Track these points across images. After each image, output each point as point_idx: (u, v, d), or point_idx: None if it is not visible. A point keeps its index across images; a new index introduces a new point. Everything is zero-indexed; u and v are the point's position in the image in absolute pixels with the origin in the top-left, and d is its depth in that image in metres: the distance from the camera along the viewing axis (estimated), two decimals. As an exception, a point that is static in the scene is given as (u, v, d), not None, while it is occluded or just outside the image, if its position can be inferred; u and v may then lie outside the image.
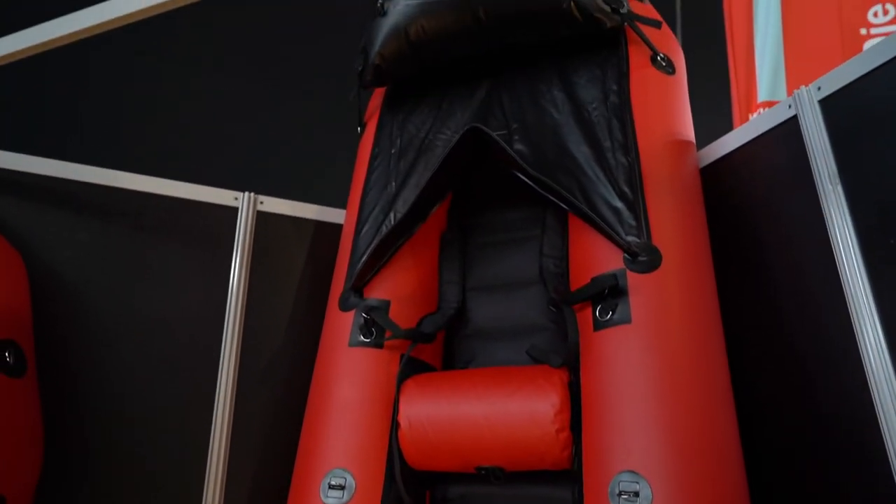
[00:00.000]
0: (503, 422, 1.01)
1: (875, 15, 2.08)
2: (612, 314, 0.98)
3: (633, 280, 0.99)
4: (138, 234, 1.32)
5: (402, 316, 1.18)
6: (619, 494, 0.85)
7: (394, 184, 1.30)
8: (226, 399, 1.29)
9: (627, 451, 0.88)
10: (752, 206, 1.12)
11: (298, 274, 1.44)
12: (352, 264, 1.23)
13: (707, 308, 1.01)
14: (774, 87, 2.25)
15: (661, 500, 0.83)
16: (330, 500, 1.02)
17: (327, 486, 1.03)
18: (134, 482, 1.20)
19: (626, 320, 0.97)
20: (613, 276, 0.99)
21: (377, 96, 1.51)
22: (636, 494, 0.84)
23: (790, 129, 1.04)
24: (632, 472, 0.86)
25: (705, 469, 0.87)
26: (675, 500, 0.83)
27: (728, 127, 2.23)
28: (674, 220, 1.05)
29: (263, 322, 1.37)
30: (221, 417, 1.28)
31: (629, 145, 1.10)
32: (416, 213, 1.22)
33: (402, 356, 1.14)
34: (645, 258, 1.00)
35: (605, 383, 0.95)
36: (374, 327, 1.15)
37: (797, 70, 2.23)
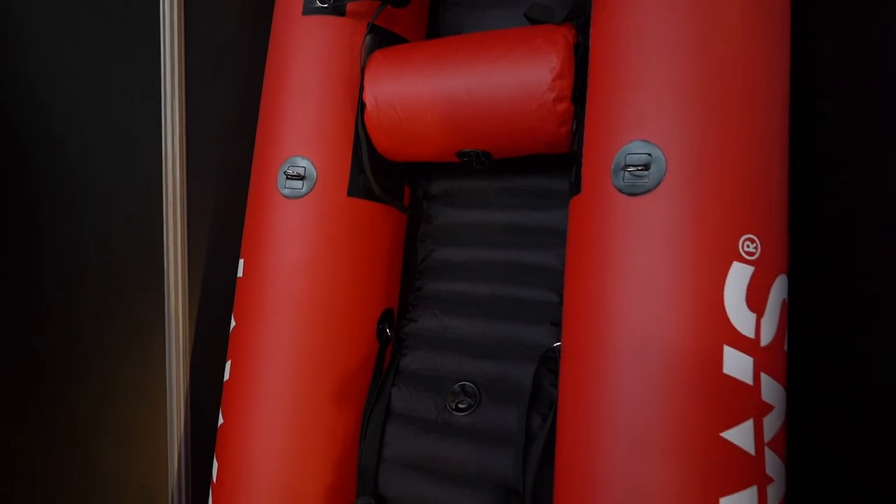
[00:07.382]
0: (490, 94, 0.81)
1: None
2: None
3: None
4: None
5: (370, -27, 0.92)
6: (625, 168, 0.67)
7: None
8: (173, 92, 1.08)
9: (641, 117, 0.68)
10: None
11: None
12: None
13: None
14: None
15: (677, 172, 0.65)
16: (287, 191, 0.88)
17: (284, 177, 0.89)
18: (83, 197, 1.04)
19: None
20: None
21: None
22: (646, 168, 0.66)
23: None
24: (644, 141, 0.67)
25: (733, 149, 0.66)
26: (691, 171, 0.65)
27: None
28: None
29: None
30: (171, 110, 1.08)
31: None
32: None
33: (368, 25, 0.91)
34: None
35: (622, 40, 0.72)
36: (334, -11, 0.90)
37: None
